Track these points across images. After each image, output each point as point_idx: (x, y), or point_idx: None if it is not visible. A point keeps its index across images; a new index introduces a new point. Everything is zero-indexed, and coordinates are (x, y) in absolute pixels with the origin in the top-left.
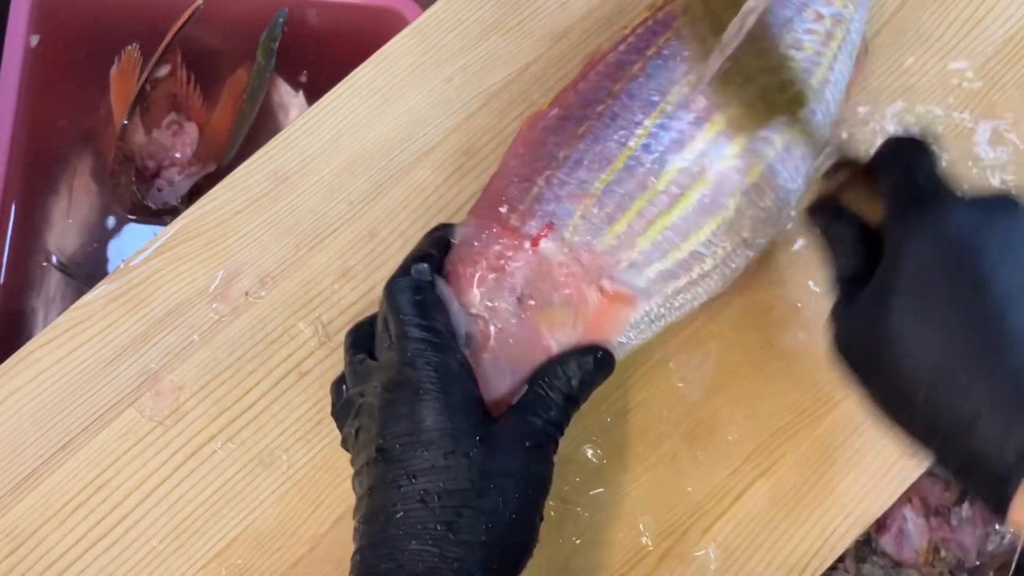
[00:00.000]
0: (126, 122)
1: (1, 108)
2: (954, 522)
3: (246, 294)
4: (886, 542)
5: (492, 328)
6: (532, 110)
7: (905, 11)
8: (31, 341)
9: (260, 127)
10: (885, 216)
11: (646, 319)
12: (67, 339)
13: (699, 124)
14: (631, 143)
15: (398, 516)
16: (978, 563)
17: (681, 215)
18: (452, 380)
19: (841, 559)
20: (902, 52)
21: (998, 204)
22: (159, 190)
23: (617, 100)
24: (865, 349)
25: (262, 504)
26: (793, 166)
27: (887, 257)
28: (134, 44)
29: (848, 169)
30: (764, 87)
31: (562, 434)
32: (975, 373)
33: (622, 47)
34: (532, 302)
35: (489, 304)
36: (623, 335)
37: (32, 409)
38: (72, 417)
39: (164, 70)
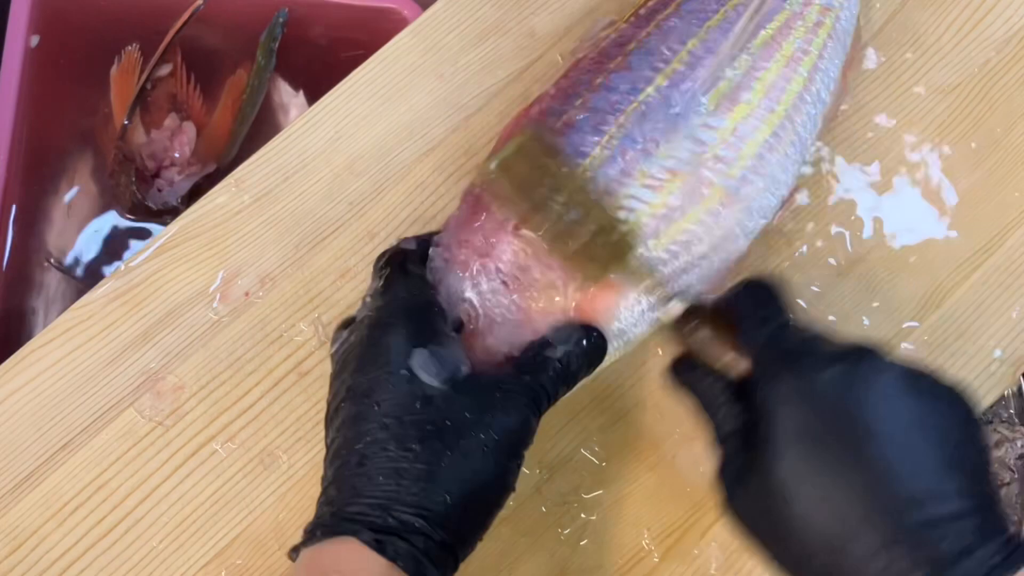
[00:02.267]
0: (126, 122)
1: (1, 108)
2: None
3: (246, 294)
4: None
5: (481, 311)
6: None
7: (905, 11)
8: (31, 341)
9: (260, 127)
10: (752, 369)
11: (639, 306)
12: (67, 339)
13: (676, 120)
14: (609, 130)
15: (359, 446)
16: None
17: (667, 201)
18: (423, 316)
19: None
20: (902, 49)
21: (864, 357)
22: (159, 190)
23: (596, 92)
24: (757, 514)
25: (262, 504)
26: (781, 156)
27: (765, 421)
28: (134, 44)
29: (702, 316)
30: (586, 243)
31: (546, 402)
32: (868, 539)
33: (601, 46)
34: (520, 284)
35: (477, 287)
36: (618, 320)
37: (32, 409)
38: (72, 417)
39: (164, 70)
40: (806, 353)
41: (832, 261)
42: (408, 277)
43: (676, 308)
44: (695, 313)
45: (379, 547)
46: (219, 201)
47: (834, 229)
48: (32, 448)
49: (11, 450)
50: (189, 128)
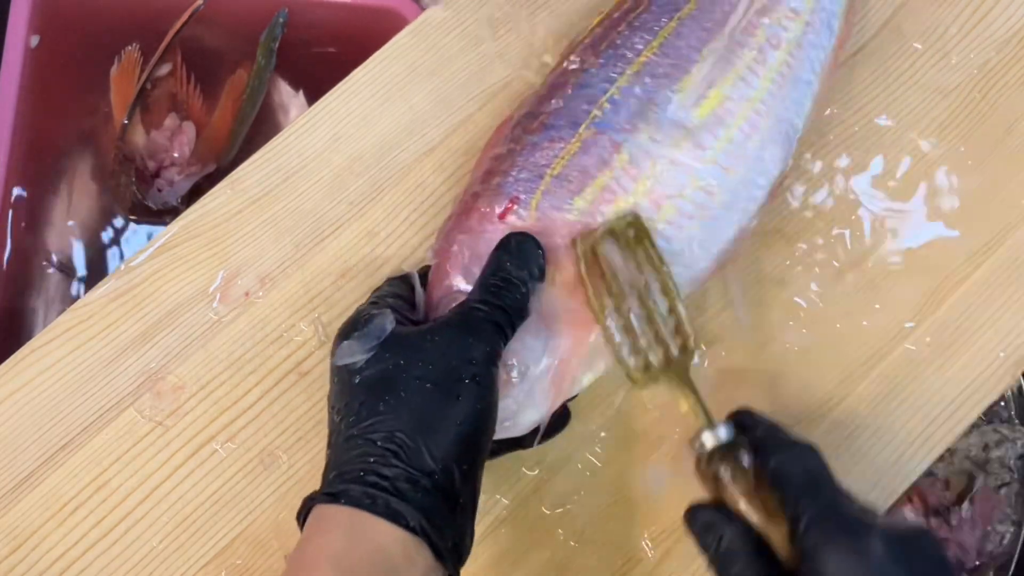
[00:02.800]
0: (126, 122)
1: (1, 108)
2: (954, 522)
3: (246, 294)
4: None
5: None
6: None
7: (905, 11)
8: (31, 341)
9: (260, 127)
10: (802, 533)
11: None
12: (67, 339)
13: (645, 109)
14: (583, 123)
15: (330, 440)
16: (978, 563)
17: (643, 188)
18: (357, 316)
19: None
20: (902, 49)
21: (921, 537)
22: (159, 190)
23: (567, 92)
24: None
25: (262, 504)
26: (762, 139)
27: None
28: (134, 44)
29: (738, 473)
30: (659, 344)
31: (485, 320)
32: None
33: (577, 50)
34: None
35: (470, 279)
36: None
37: (32, 409)
38: (72, 417)
39: (164, 70)
40: (865, 527)
41: (832, 261)
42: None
43: (709, 441)
44: (726, 456)
45: (333, 499)
46: (219, 201)
47: (834, 229)
48: (32, 448)
49: (11, 450)
50: (189, 128)
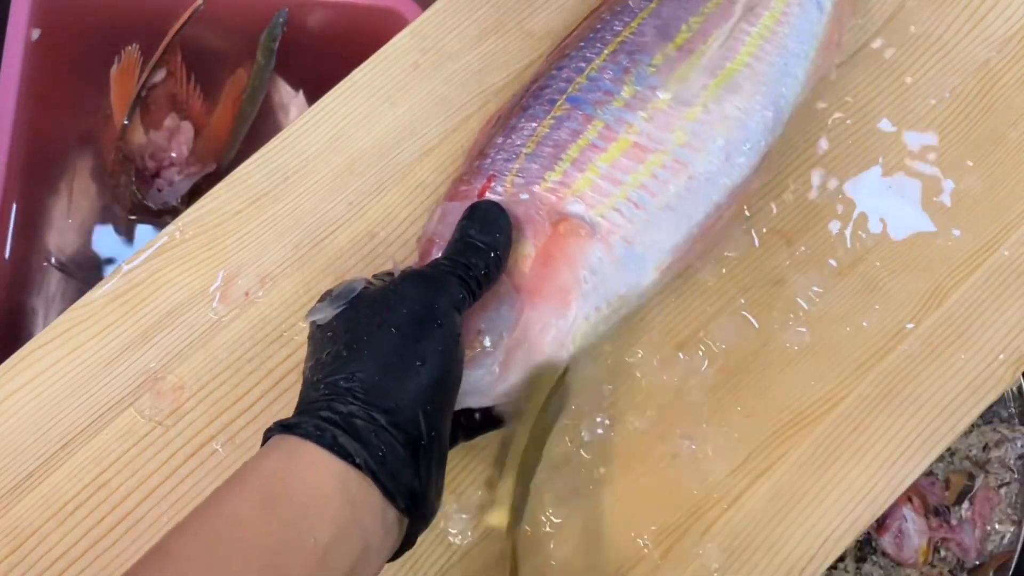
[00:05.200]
0: (126, 122)
1: (1, 105)
2: (954, 522)
3: (246, 294)
4: (886, 542)
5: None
6: None
7: (905, 11)
8: (31, 341)
9: (260, 127)
10: None
11: (610, 258)
12: (67, 339)
13: (620, 82)
14: (558, 101)
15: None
16: (978, 563)
17: (616, 156)
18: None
19: (841, 559)
20: (903, 49)
21: None
22: (159, 190)
23: (548, 75)
24: None
25: None
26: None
27: None
28: (134, 44)
29: None
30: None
31: (450, 274)
32: None
33: (565, 40)
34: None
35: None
36: (587, 270)
37: (32, 409)
38: (72, 417)
39: (163, 73)
40: None
41: (832, 261)
42: None
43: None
44: None
45: (286, 430)
46: (219, 201)
47: (834, 229)
48: (32, 448)
49: (11, 450)
50: (187, 128)
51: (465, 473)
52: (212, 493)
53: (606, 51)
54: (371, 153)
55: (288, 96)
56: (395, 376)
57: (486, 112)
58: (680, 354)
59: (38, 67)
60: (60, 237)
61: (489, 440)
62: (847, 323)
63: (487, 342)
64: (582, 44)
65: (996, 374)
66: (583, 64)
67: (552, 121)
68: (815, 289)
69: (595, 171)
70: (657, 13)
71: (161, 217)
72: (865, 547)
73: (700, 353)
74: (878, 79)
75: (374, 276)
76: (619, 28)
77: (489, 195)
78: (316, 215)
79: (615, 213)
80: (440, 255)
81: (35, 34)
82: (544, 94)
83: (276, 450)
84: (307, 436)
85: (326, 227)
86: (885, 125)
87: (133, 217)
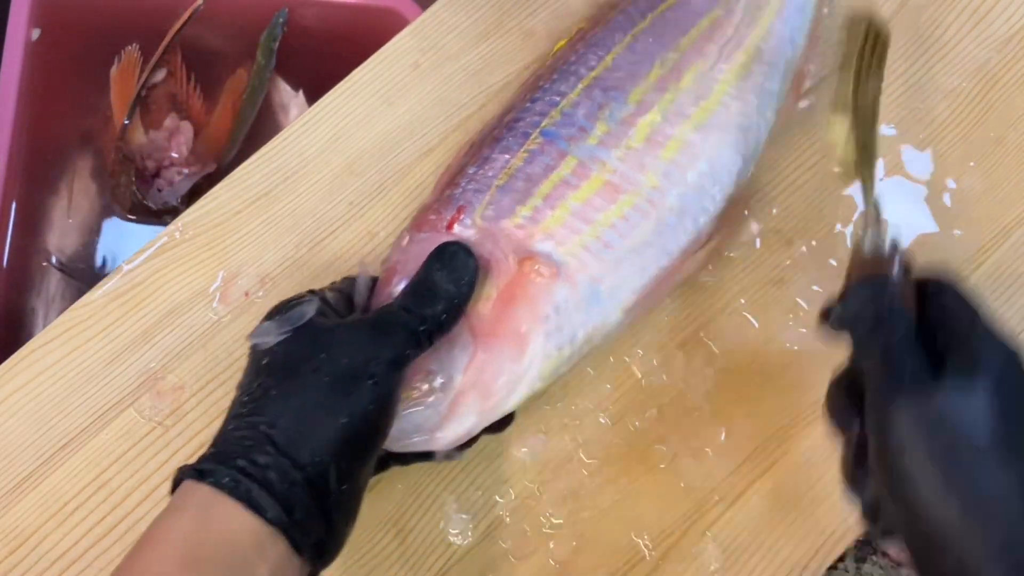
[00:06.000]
0: (126, 122)
1: (1, 105)
2: None
3: (246, 294)
4: (886, 542)
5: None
6: None
7: (905, 11)
8: (31, 341)
9: (260, 127)
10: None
11: (574, 300)
12: (67, 339)
13: (594, 118)
14: (532, 135)
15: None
16: None
17: (588, 195)
18: (288, 300)
19: (841, 559)
20: (903, 49)
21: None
22: (159, 190)
23: (522, 107)
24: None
25: None
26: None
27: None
28: (134, 44)
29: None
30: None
31: (397, 328)
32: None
33: (539, 70)
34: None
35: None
36: (551, 309)
37: (32, 409)
38: (72, 417)
39: (163, 73)
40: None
41: (832, 261)
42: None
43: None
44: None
45: (200, 476)
46: (219, 201)
47: (835, 229)
48: (32, 448)
49: (11, 450)
50: (186, 128)
51: (465, 473)
52: (130, 552)
53: (580, 85)
54: (371, 153)
55: (288, 96)
56: (317, 430)
57: (486, 112)
58: (680, 354)
59: (38, 67)
60: (60, 237)
61: (489, 441)
62: None
63: (436, 383)
64: (556, 77)
65: None
66: (557, 98)
67: (525, 154)
68: (815, 289)
69: (566, 208)
70: (632, 48)
71: (161, 217)
72: (865, 547)
73: (700, 353)
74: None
75: (331, 286)
76: (594, 63)
77: (457, 227)
78: (316, 215)
79: (584, 252)
80: (401, 289)
81: (35, 34)
82: (518, 126)
83: (192, 504)
84: (222, 488)
85: (326, 227)
86: (885, 125)
87: (133, 217)
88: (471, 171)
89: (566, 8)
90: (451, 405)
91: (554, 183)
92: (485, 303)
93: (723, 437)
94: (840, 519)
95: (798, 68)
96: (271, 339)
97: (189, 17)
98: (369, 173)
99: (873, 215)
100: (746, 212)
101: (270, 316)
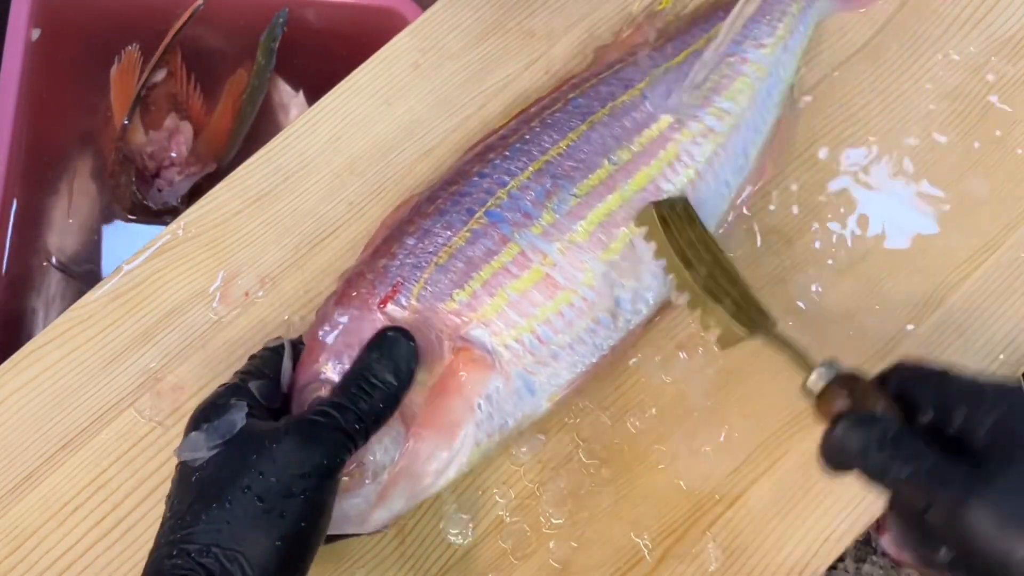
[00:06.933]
0: (126, 122)
1: (1, 105)
2: None
3: (246, 294)
4: (886, 542)
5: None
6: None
7: (905, 11)
8: (31, 341)
9: (260, 127)
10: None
11: (506, 391)
12: (67, 339)
13: (541, 206)
14: (477, 213)
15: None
16: None
17: (527, 287)
18: (212, 405)
19: (841, 559)
20: (903, 50)
21: None
22: (159, 190)
23: (469, 180)
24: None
25: None
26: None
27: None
28: (134, 44)
29: (866, 388)
30: (733, 304)
31: (330, 427)
32: None
33: (491, 138)
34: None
35: (339, 367)
36: (482, 399)
37: (32, 409)
38: (72, 417)
39: (162, 74)
40: None
41: (832, 261)
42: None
43: (818, 380)
44: (844, 383)
45: None
46: (219, 201)
47: (834, 230)
48: (32, 448)
49: (11, 450)
50: (186, 128)
51: (465, 473)
52: None
53: (531, 168)
54: (371, 153)
55: (288, 96)
56: (253, 554)
57: (486, 112)
58: (680, 354)
59: (38, 67)
60: (60, 237)
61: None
62: (847, 323)
63: (368, 473)
64: (507, 153)
65: (996, 374)
66: (507, 177)
67: (468, 234)
68: (815, 289)
69: (504, 298)
70: (587, 137)
71: (161, 217)
72: (865, 547)
73: (700, 353)
74: (879, 79)
75: (254, 368)
76: (547, 145)
77: (391, 307)
78: (316, 215)
79: (518, 345)
80: (331, 375)
81: (35, 34)
82: (463, 201)
83: None
84: None
85: (326, 227)
86: (886, 126)
87: (133, 217)
88: (410, 243)
89: (566, 8)
90: (380, 492)
91: (494, 269)
92: (419, 390)
93: (723, 437)
94: (840, 519)
95: (748, 178)
96: (201, 454)
97: (189, 17)
98: (369, 173)
99: (799, 360)
100: (746, 211)
101: (196, 423)
